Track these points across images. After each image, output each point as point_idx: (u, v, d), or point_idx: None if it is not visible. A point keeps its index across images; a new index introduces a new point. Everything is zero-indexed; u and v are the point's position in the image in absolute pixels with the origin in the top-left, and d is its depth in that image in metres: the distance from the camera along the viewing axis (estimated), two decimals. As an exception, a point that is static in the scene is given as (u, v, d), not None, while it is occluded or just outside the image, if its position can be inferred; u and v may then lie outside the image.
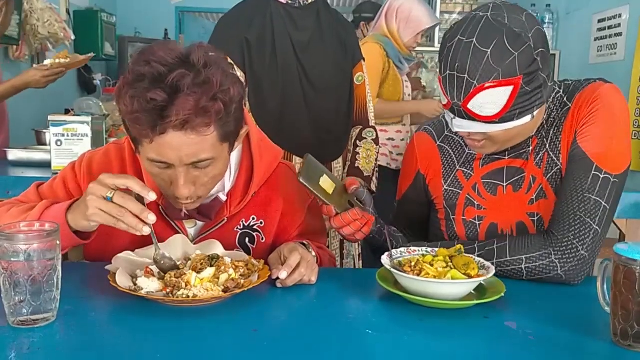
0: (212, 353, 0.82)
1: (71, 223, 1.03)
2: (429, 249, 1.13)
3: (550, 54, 4.62)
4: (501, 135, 1.14)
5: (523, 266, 1.12)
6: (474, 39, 1.05)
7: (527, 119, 1.11)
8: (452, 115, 1.14)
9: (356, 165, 1.91)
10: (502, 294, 0.99)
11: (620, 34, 3.64)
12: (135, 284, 0.99)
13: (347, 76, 1.90)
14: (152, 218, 0.98)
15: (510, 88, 1.05)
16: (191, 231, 1.21)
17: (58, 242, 0.89)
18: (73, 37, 3.79)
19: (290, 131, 1.78)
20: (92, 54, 2.71)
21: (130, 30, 5.67)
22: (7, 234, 0.87)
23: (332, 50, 1.84)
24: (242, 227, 1.22)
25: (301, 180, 1.09)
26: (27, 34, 4.00)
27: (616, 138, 1.15)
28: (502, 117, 1.08)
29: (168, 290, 0.97)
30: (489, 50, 1.04)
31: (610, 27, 3.76)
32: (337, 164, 1.94)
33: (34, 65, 2.53)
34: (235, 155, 1.21)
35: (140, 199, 1.00)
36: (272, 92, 1.78)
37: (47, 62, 2.49)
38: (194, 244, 1.17)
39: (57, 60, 2.46)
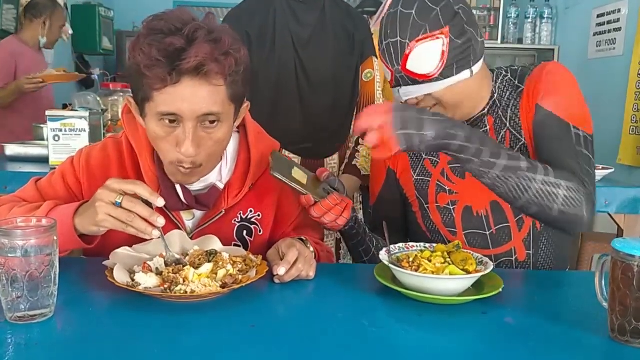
0: (210, 348, 0.82)
1: (78, 227, 1.03)
2: (427, 245, 1.13)
3: (549, 49, 4.58)
4: (447, 96, 1.18)
5: (561, 191, 1.10)
6: (399, 7, 1.16)
7: (466, 73, 1.17)
8: (398, 87, 1.20)
9: (353, 162, 1.86)
10: (500, 290, 0.99)
11: (619, 29, 3.63)
12: (133, 280, 0.99)
13: (350, 72, 1.87)
14: (161, 221, 0.98)
15: (441, 40, 1.14)
16: (189, 223, 1.21)
17: (55, 238, 0.89)
18: (71, 32, 3.78)
19: (282, 125, 1.76)
20: (83, 75, 3.66)
21: (128, 24, 5.64)
22: (4, 230, 0.86)
23: (335, 46, 1.82)
24: (239, 219, 1.23)
25: (274, 174, 1.09)
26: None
27: (581, 103, 1.21)
28: (442, 72, 1.15)
29: (166, 286, 0.96)
30: (413, 11, 1.15)
31: (609, 22, 3.75)
32: (332, 160, 1.91)
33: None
34: (232, 147, 1.21)
35: (147, 203, 1.00)
36: (266, 85, 1.77)
37: (44, 72, 3.10)
38: (192, 237, 1.18)
39: (46, 73, 3.07)
